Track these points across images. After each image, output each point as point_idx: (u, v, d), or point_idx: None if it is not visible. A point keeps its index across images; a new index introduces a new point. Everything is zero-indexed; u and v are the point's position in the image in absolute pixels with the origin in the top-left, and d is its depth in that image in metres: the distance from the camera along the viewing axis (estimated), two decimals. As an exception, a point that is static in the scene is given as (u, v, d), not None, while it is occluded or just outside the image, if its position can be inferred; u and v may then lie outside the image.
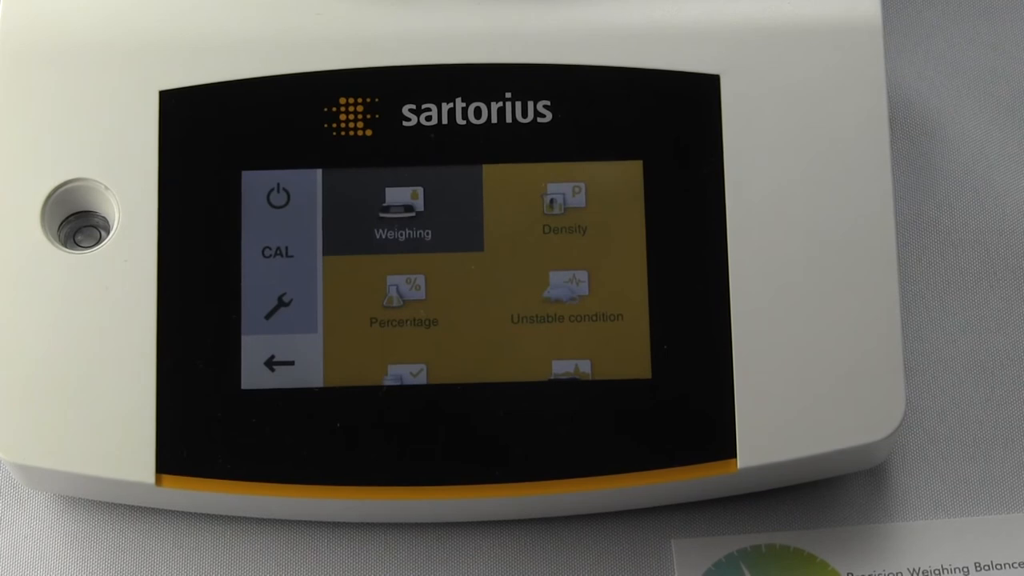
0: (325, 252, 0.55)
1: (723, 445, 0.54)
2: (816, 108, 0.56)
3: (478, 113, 0.56)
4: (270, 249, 0.55)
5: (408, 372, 0.55)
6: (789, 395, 0.54)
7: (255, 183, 0.55)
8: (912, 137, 0.64)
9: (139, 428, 0.54)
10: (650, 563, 0.57)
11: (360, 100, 0.56)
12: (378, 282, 0.55)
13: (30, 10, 0.56)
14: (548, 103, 0.56)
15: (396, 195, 0.56)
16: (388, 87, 0.56)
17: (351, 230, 0.55)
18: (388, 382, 0.54)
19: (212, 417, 0.54)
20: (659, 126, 0.56)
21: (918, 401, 0.59)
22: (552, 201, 0.55)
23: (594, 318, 0.55)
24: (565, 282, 0.55)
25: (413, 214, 0.55)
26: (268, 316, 0.55)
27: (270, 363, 0.55)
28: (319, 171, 0.55)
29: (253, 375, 0.54)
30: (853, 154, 0.56)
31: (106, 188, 0.55)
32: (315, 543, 0.57)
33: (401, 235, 0.55)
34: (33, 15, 0.56)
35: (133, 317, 0.55)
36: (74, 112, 0.56)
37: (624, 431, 0.54)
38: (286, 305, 0.55)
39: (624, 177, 0.56)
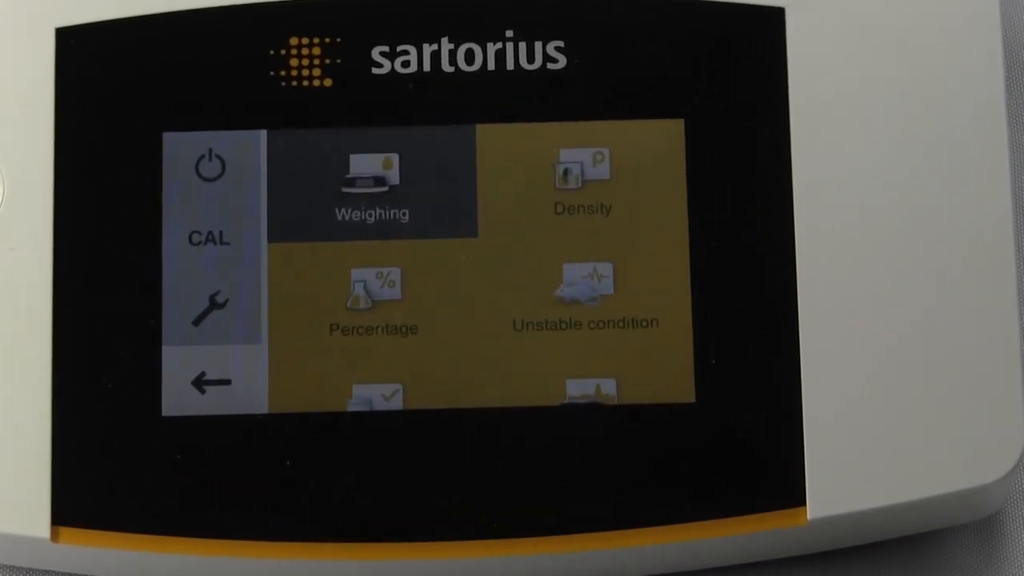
0: (271, 238, 0.50)
1: (789, 490, 0.48)
2: (907, 51, 0.51)
3: (470, 57, 0.51)
4: (199, 234, 0.50)
5: (379, 394, 0.49)
6: (872, 427, 0.49)
7: (180, 148, 0.50)
8: None
9: (30, 468, 0.49)
10: None
11: (317, 40, 0.51)
12: (340, 277, 0.50)
13: None
14: (561, 44, 0.50)
15: (364, 164, 0.50)
16: (354, 23, 0.51)
17: (305, 210, 0.50)
18: (353, 407, 0.49)
19: (124, 452, 0.49)
20: (706, 74, 0.51)
21: None
22: (567, 172, 0.50)
23: (621, 324, 0.49)
24: (584, 278, 0.50)
25: (386, 189, 0.50)
26: (197, 322, 0.50)
27: (199, 382, 0.49)
28: (263, 132, 0.50)
29: (177, 398, 0.49)
30: (957, 109, 0.51)
31: None
32: None
33: (370, 216, 0.50)
34: None
35: (22, 323, 0.49)
36: None
37: (659, 471, 0.49)
38: (220, 307, 0.50)
39: (660, 140, 0.50)
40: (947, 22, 0.52)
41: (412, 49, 0.50)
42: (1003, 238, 0.50)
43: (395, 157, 0.50)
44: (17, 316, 0.50)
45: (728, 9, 0.51)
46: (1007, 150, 0.51)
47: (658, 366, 0.49)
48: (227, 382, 0.49)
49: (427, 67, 0.50)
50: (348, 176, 0.50)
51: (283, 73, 0.50)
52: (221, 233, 0.50)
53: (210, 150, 0.50)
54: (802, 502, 0.48)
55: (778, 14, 0.50)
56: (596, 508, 0.49)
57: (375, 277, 0.50)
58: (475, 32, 0.51)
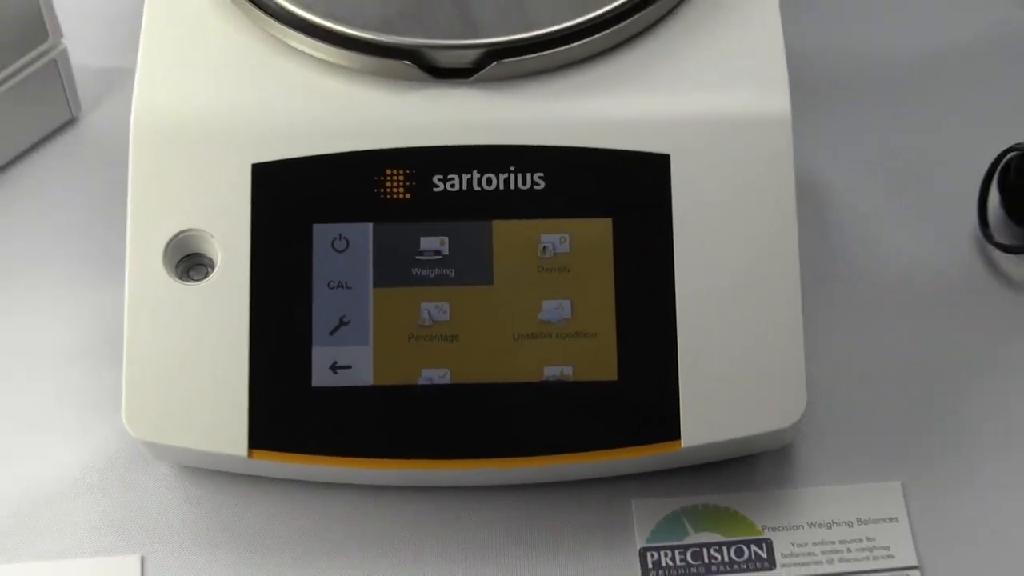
0: (375, 285, 0.57)
1: (670, 430, 0.56)
2: (741, 180, 0.58)
3: (489, 182, 0.58)
4: (334, 282, 0.57)
5: (436, 374, 0.57)
6: (720, 393, 0.57)
7: (323, 233, 0.58)
8: (815, 205, 0.67)
9: (235, 416, 0.57)
10: (616, 518, 0.60)
11: (402, 172, 0.58)
12: (414, 307, 0.57)
13: (156, 100, 0.59)
14: (542, 175, 0.58)
15: (428, 243, 0.58)
16: (422, 162, 0.58)
17: (394, 268, 0.57)
18: (421, 381, 0.57)
19: (291, 407, 0.57)
20: (624, 193, 0.58)
21: (818, 399, 0.62)
22: (545, 248, 0.58)
23: (575, 335, 0.57)
24: (554, 308, 0.57)
25: (441, 257, 0.57)
26: (332, 332, 0.57)
27: (334, 367, 0.57)
28: (371, 224, 0.58)
29: (321, 376, 0.57)
30: (769, 218, 0.58)
31: (212, 236, 0.58)
32: (365, 502, 0.60)
33: (432, 273, 0.57)
34: (158, 104, 0.59)
35: (232, 332, 0.57)
36: (189, 177, 0.58)
37: (597, 419, 0.57)
38: (346, 324, 0.57)
39: (598, 231, 0.58)
40: (762, 166, 0.58)
41: (456, 177, 0.58)
42: (793, 291, 0.58)
43: (446, 239, 0.58)
44: (229, 329, 0.57)
45: (637, 155, 0.58)
46: (795, 241, 0.59)
47: (595, 359, 0.57)
48: (349, 367, 0.57)
49: (465, 187, 0.58)
50: (419, 250, 0.58)
51: (382, 190, 0.58)
52: (346, 281, 0.58)
53: (340, 234, 0.58)
54: (678, 437, 0.57)
55: (665, 158, 0.58)
56: (559, 441, 0.57)
57: (435, 307, 0.57)
58: (492, 168, 0.58)
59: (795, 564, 0.60)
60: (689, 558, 0.60)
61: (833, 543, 0.60)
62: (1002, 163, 0.65)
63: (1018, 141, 0.66)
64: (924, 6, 0.72)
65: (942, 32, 0.71)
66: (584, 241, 0.58)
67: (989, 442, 0.62)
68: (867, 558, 0.60)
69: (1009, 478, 0.61)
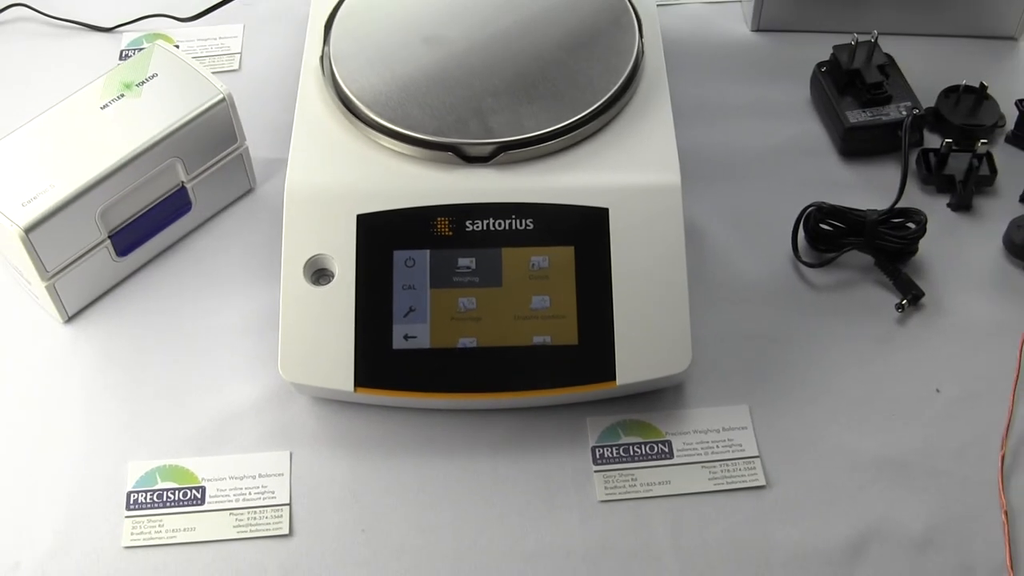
0: (431, 287, 0.55)
1: (610, 374, 0.54)
2: (651, 223, 0.55)
3: (500, 224, 0.55)
4: (406, 285, 0.54)
5: (468, 341, 0.54)
6: (640, 352, 0.54)
7: (400, 256, 0.55)
8: (697, 238, 0.63)
9: (346, 366, 0.53)
10: (577, 428, 0.57)
11: (448, 218, 0.55)
12: (455, 301, 0.54)
13: (300, 177, 0.56)
14: (531, 220, 0.55)
15: (463, 262, 0.55)
16: (460, 213, 0.55)
17: (443, 276, 0.55)
18: (459, 346, 0.54)
19: (380, 361, 0.54)
20: (582, 231, 0.55)
21: (699, 355, 0.58)
22: (533, 264, 0.55)
23: (552, 317, 0.54)
24: (539, 301, 0.55)
25: (471, 270, 0.55)
26: (405, 315, 0.54)
27: (406, 337, 0.54)
28: (428, 251, 0.55)
29: (399, 342, 0.54)
30: (667, 245, 0.55)
31: (332, 257, 0.55)
32: (424, 419, 0.57)
33: (465, 280, 0.55)
34: (301, 180, 0.55)
35: (344, 315, 0.54)
36: (318, 222, 0.55)
37: (566, 368, 0.54)
38: (413, 311, 0.54)
39: (566, 254, 0.55)
40: (661, 222, 0.54)
41: (480, 222, 0.55)
42: (682, 292, 0.54)
43: (474, 259, 0.55)
44: (341, 314, 0.53)
45: (588, 208, 0.55)
46: (683, 257, 0.54)
47: (564, 332, 0.54)
48: (415, 337, 0.54)
49: (485, 228, 0.55)
50: (458, 266, 0.55)
51: (435, 230, 0.55)
52: (413, 285, 0.54)
53: (410, 257, 0.55)
54: (614, 378, 0.54)
55: (606, 210, 0.55)
56: (543, 381, 0.54)
57: (467, 300, 0.54)
58: (501, 215, 0.55)
59: (685, 455, 0.57)
60: (621, 452, 0.56)
61: (707, 442, 0.56)
62: (805, 213, 0.63)
63: (814, 201, 0.62)
64: (758, 120, 0.68)
65: (771, 135, 0.67)
66: (557, 260, 0.55)
67: (801, 381, 0.58)
68: (727, 451, 0.56)
69: (812, 404, 0.58)
